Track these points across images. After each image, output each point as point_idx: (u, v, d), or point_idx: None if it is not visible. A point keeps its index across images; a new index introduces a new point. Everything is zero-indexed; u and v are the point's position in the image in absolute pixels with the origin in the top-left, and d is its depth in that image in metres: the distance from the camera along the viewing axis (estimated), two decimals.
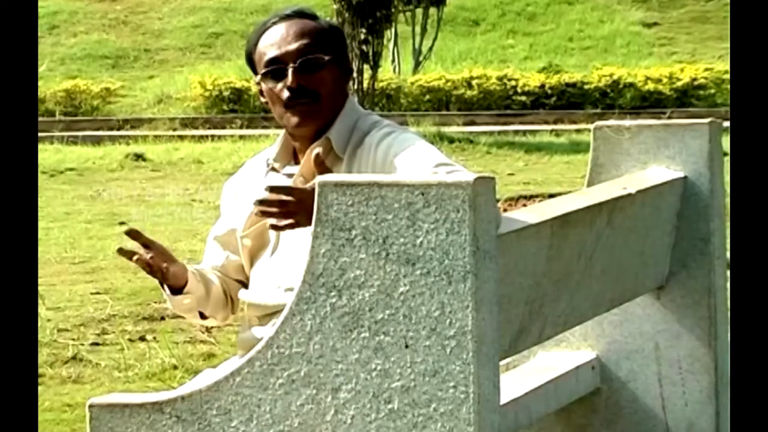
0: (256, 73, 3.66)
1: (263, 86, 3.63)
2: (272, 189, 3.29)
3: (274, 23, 3.64)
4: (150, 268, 3.59)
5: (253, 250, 3.69)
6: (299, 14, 3.67)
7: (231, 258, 3.76)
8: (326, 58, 3.59)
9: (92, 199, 13.98)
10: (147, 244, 3.60)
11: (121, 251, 3.60)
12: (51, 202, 13.86)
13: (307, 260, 3.01)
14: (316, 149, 3.47)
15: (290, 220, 3.26)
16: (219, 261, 3.78)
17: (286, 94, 3.56)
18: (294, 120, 3.59)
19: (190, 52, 24.17)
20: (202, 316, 3.76)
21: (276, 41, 3.61)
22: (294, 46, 3.58)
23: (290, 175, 3.61)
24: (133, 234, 3.59)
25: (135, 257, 3.56)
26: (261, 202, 3.29)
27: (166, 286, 3.68)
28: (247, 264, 3.71)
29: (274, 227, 3.34)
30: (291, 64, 3.57)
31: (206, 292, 3.70)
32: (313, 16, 3.69)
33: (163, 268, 3.59)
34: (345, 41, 3.75)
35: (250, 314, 3.64)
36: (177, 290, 3.67)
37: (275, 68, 3.59)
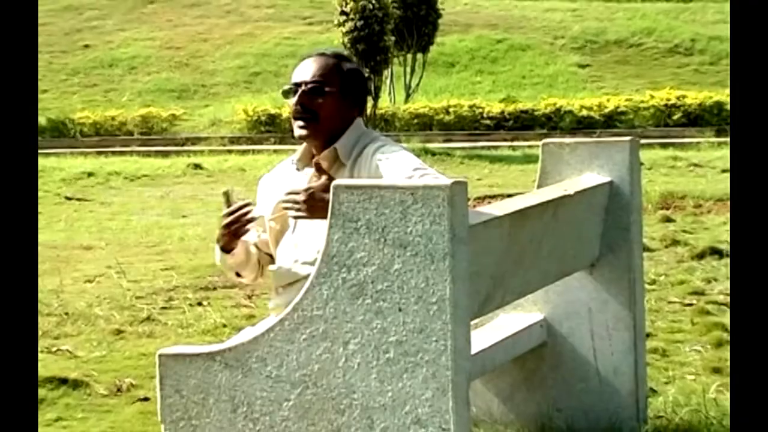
0: None
1: (287, 99, 3.67)
2: (288, 193, 3.41)
3: (311, 56, 3.68)
4: (231, 235, 3.64)
5: (278, 233, 3.69)
6: (334, 55, 3.68)
7: (262, 236, 3.77)
8: (327, 89, 3.59)
9: (162, 198, 13.97)
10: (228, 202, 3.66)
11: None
12: (130, 200, 13.85)
13: (324, 244, 3.01)
14: (319, 159, 3.55)
15: (302, 213, 3.34)
16: (253, 239, 3.78)
17: (294, 107, 3.60)
18: (297, 132, 3.64)
19: (236, 87, 24.14)
20: (238, 275, 3.80)
21: (302, 69, 3.64)
22: (308, 75, 3.61)
23: (308, 174, 3.63)
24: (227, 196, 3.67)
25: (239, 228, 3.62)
26: (284, 201, 3.41)
27: (219, 246, 3.70)
28: (273, 242, 3.71)
29: (295, 217, 3.45)
30: (302, 88, 3.58)
31: (246, 259, 3.74)
32: (343, 58, 3.69)
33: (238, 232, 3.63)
34: (362, 82, 3.71)
35: (276, 284, 3.64)
36: (228, 251, 3.70)
37: (293, 88, 3.62)
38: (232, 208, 3.62)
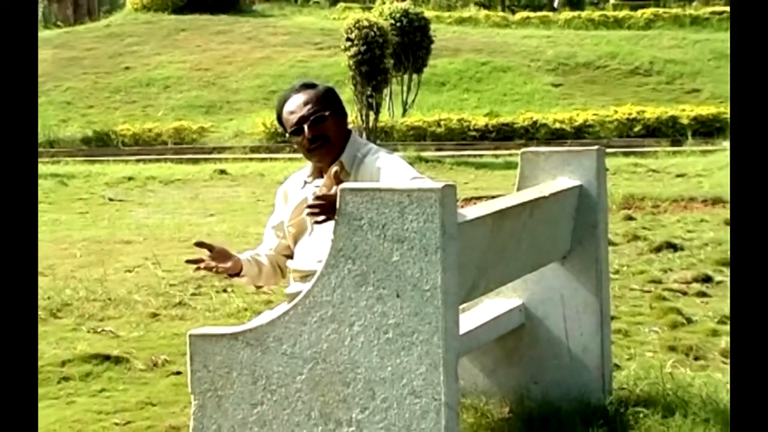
0: (284, 128, 3.71)
1: (293, 139, 3.69)
2: (315, 198, 3.35)
3: (290, 96, 3.69)
4: (211, 271, 3.65)
5: (296, 234, 3.71)
6: (305, 86, 3.72)
7: (281, 242, 3.78)
8: (326, 113, 3.63)
9: (192, 200, 13.95)
10: (210, 248, 3.66)
11: (189, 262, 3.67)
12: (164, 201, 13.84)
13: (332, 239, 3.00)
14: (334, 168, 3.54)
15: (324, 216, 3.27)
16: (273, 243, 3.81)
17: (307, 142, 3.62)
18: (316, 159, 3.68)
19: (256, 103, 24.11)
20: (257, 286, 3.87)
21: (294, 109, 3.66)
22: (305, 111, 3.63)
23: (317, 186, 3.64)
24: (199, 244, 3.67)
25: (200, 266, 3.62)
26: (309, 207, 3.33)
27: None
28: (292, 243, 3.73)
29: (316, 222, 3.37)
30: (306, 123, 3.60)
31: (258, 271, 3.76)
32: (314, 86, 3.73)
33: (219, 269, 3.63)
34: (338, 96, 3.77)
35: (294, 276, 3.66)
36: (236, 274, 3.71)
37: (297, 128, 3.64)
38: (203, 263, 3.63)
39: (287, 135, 3.69)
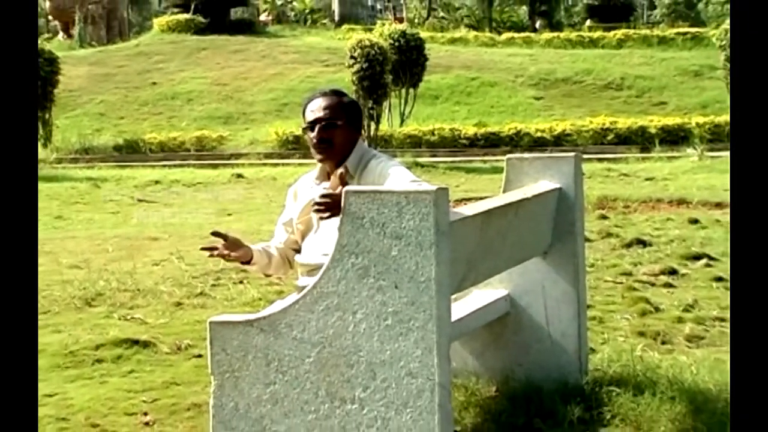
0: (304, 120, 3.71)
1: (305, 132, 3.67)
2: (321, 196, 3.34)
3: (317, 97, 3.67)
4: (224, 258, 3.69)
5: (303, 231, 3.70)
6: (333, 92, 3.69)
7: (290, 236, 3.77)
8: (339, 122, 3.61)
9: (212, 201, 13.94)
10: (225, 238, 3.67)
11: (204, 249, 3.71)
12: (187, 202, 13.83)
13: (338, 236, 3.00)
14: (340, 170, 3.54)
15: (329, 213, 3.27)
16: (283, 237, 3.81)
17: (314, 141, 3.62)
18: (318, 156, 3.66)
19: (269, 114, 24.09)
20: (267, 274, 3.86)
21: (314, 109, 3.64)
22: (321, 114, 3.61)
23: (325, 188, 3.63)
24: (215, 234, 3.68)
25: (213, 254, 3.67)
26: (315, 204, 3.34)
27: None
28: (299, 239, 3.73)
29: (321, 218, 3.37)
30: (318, 124, 3.60)
31: (268, 261, 3.77)
32: (341, 94, 3.70)
33: (231, 256, 3.67)
34: (359, 111, 3.73)
35: (301, 270, 3.65)
36: (247, 262, 3.73)
37: (311, 125, 3.62)
38: (218, 250, 3.67)
39: (303, 127, 3.70)
